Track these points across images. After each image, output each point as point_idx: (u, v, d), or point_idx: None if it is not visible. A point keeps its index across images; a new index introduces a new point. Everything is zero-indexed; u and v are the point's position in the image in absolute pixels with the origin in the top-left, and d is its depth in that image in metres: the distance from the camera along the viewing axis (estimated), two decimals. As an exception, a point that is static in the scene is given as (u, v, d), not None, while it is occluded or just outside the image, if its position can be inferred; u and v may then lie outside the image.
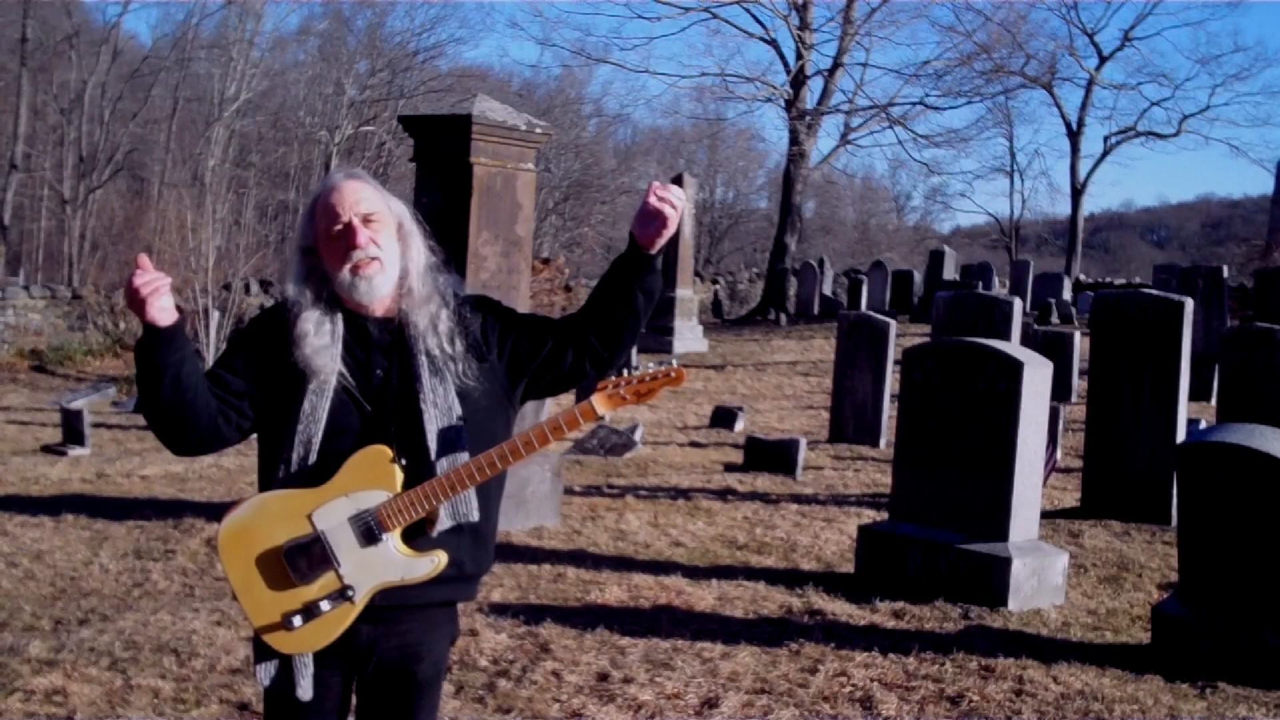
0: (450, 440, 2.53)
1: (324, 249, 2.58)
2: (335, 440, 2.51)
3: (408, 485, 2.48)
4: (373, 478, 2.47)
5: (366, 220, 2.57)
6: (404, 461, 2.49)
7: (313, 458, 2.50)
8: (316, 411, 2.52)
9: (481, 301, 2.72)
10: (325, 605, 2.46)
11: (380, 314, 2.61)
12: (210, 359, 17.61)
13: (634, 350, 16.44)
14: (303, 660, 2.52)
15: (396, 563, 2.48)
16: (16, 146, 33.82)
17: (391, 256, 2.58)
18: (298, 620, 2.46)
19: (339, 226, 2.56)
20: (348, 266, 2.55)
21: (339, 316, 2.59)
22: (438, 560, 2.49)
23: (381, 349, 2.59)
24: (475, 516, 2.55)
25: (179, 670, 4.91)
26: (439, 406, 2.54)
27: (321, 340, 2.55)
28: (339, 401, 2.54)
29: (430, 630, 2.62)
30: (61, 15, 36.17)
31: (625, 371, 2.58)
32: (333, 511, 2.47)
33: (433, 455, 2.51)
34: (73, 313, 21.27)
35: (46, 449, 11.47)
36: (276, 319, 2.61)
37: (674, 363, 2.55)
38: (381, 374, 2.57)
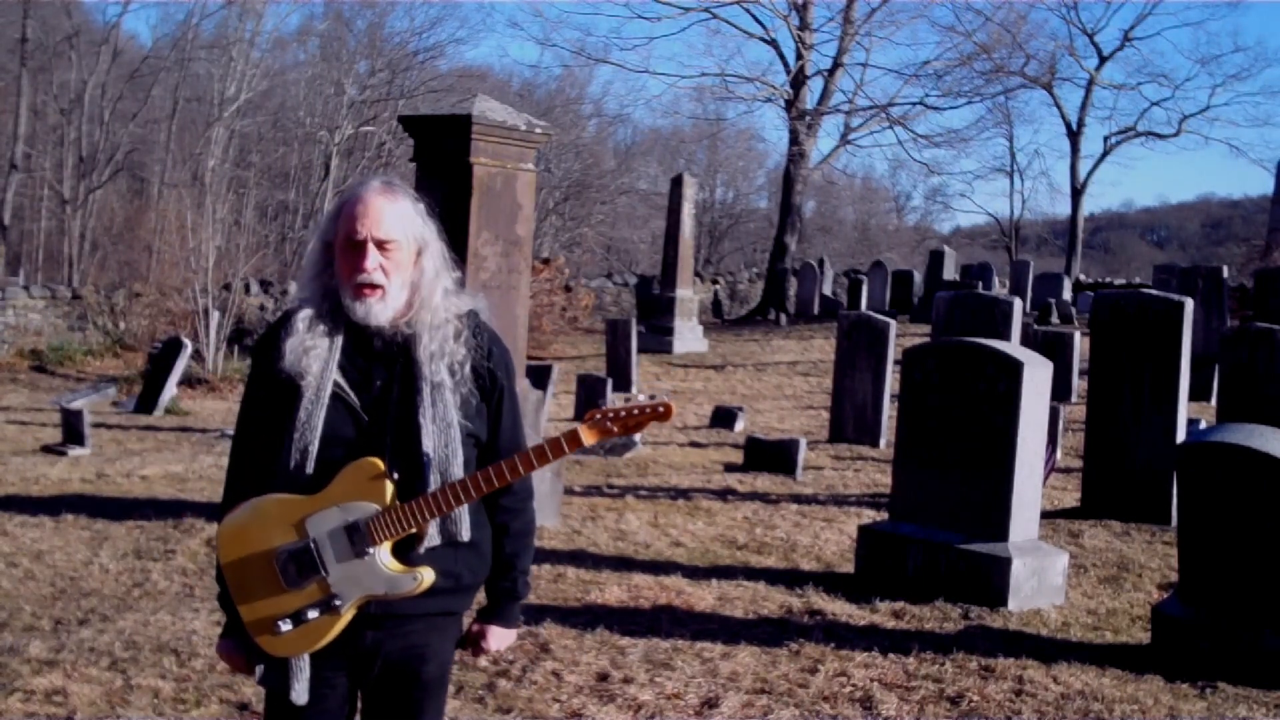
0: (445, 456, 2.52)
1: (338, 254, 2.58)
2: (331, 448, 2.51)
3: (401, 498, 2.48)
4: (364, 489, 2.48)
5: (382, 245, 2.54)
6: (396, 475, 2.49)
7: (309, 465, 2.50)
8: (313, 419, 2.51)
9: (501, 350, 2.69)
10: (312, 613, 2.48)
11: (385, 325, 2.58)
12: (210, 358, 17.62)
13: (634, 351, 16.44)
14: (299, 663, 2.52)
15: (382, 576, 2.48)
16: (16, 146, 33.82)
17: (398, 285, 2.56)
18: (285, 625, 2.49)
19: (354, 242, 2.55)
20: (351, 285, 2.54)
21: (342, 321, 2.58)
22: (420, 578, 2.49)
23: (384, 359, 2.58)
24: (465, 536, 2.55)
25: (179, 670, 4.91)
26: (438, 422, 2.53)
27: (313, 341, 2.54)
28: (336, 410, 2.53)
29: (435, 632, 2.62)
30: (61, 15, 36.15)
31: (617, 399, 2.57)
32: (324, 520, 2.48)
33: (426, 470, 2.50)
34: (73, 313, 21.26)
35: (46, 449, 11.47)
36: (279, 327, 2.61)
37: (664, 389, 2.56)
38: (381, 384, 2.56)
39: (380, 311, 2.55)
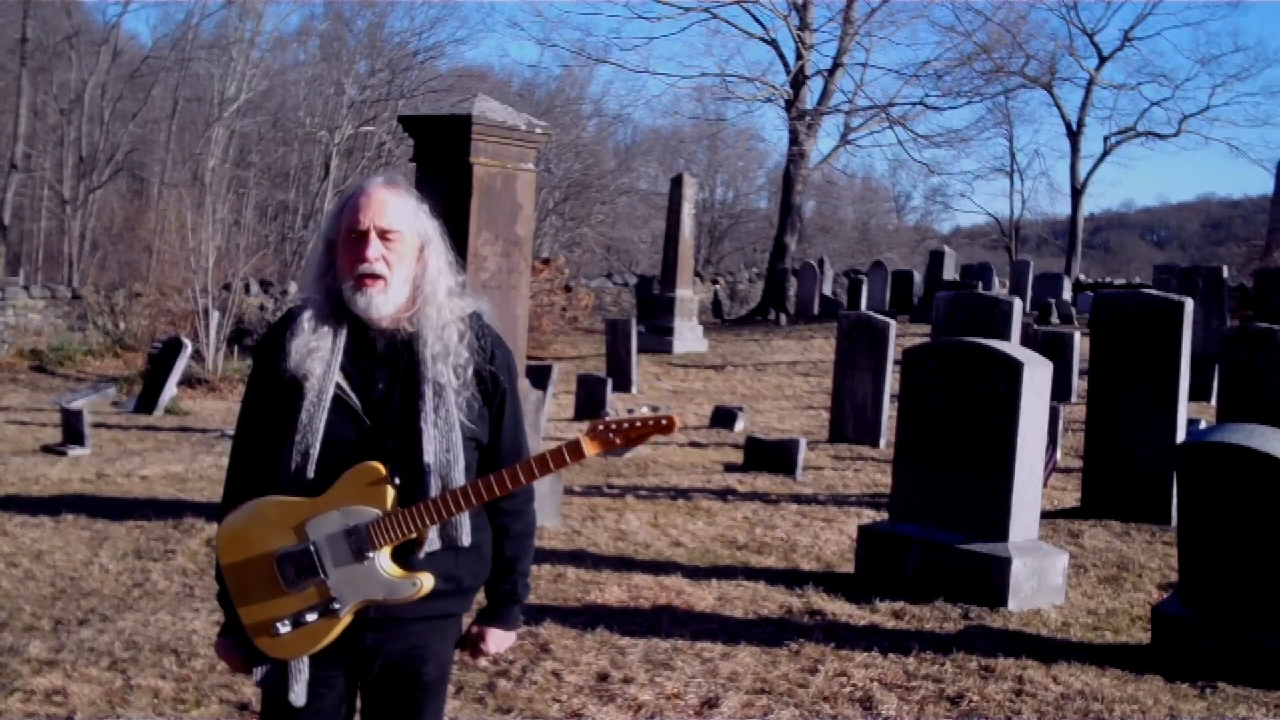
0: (447, 461, 2.51)
1: (340, 248, 2.57)
2: (332, 451, 2.50)
3: (402, 503, 2.48)
4: (365, 494, 2.47)
5: (384, 235, 2.53)
6: (398, 480, 2.48)
7: (310, 468, 2.50)
8: (314, 422, 2.50)
9: (504, 352, 2.68)
10: (310, 615, 2.48)
11: (388, 325, 2.57)
12: (210, 358, 17.62)
13: (634, 351, 16.44)
14: (298, 665, 2.52)
15: (381, 581, 2.48)
16: (16, 146, 33.81)
17: (400, 279, 2.55)
18: (284, 627, 2.49)
19: (356, 232, 2.54)
20: (353, 277, 2.53)
21: (344, 323, 2.57)
22: (419, 584, 2.49)
23: (385, 362, 2.56)
24: (465, 541, 2.54)
25: (179, 670, 4.91)
26: (439, 426, 2.52)
27: (316, 343, 2.53)
28: (338, 412, 2.52)
29: (435, 633, 2.62)
30: (61, 15, 36.15)
31: (619, 409, 2.57)
32: (324, 524, 2.48)
33: (428, 475, 2.49)
34: (73, 313, 21.26)
35: (46, 449, 11.47)
36: (282, 327, 2.60)
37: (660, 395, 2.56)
38: (383, 387, 2.55)
39: (382, 303, 2.53)
